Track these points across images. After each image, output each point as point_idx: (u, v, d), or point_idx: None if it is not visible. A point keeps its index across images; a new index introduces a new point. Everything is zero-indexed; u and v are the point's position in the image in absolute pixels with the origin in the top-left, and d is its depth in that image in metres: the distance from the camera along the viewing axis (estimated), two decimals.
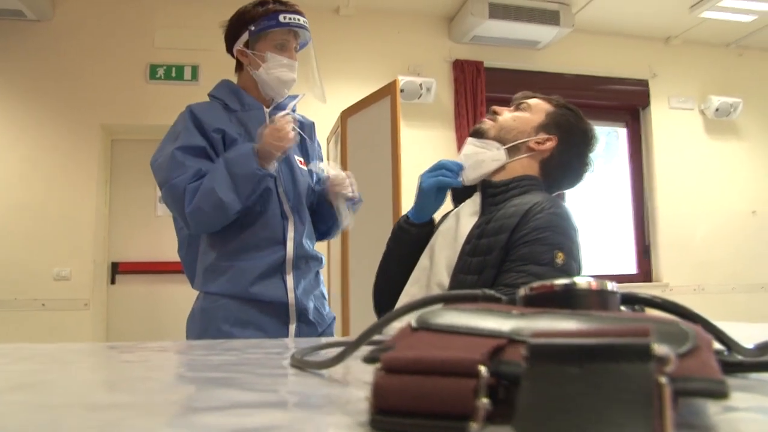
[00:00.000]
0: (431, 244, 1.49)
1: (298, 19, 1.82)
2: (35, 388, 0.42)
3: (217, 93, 1.89)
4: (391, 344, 0.32)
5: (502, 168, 1.48)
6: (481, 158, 1.49)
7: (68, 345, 0.66)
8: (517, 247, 1.30)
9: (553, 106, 1.54)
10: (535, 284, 0.38)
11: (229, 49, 1.89)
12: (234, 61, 1.93)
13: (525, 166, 1.48)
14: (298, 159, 1.90)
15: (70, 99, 4.11)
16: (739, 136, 5.27)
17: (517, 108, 1.55)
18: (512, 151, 1.48)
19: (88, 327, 3.95)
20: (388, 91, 3.27)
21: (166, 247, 4.28)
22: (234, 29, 1.86)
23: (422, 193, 1.52)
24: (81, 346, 0.67)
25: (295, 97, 1.96)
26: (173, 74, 4.30)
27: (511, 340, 0.30)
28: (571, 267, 1.31)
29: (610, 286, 0.38)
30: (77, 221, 4.02)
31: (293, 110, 1.93)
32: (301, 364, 0.48)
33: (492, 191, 1.45)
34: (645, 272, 5.03)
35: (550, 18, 4.48)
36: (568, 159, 1.51)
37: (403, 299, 1.46)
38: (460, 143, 4.24)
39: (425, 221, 1.56)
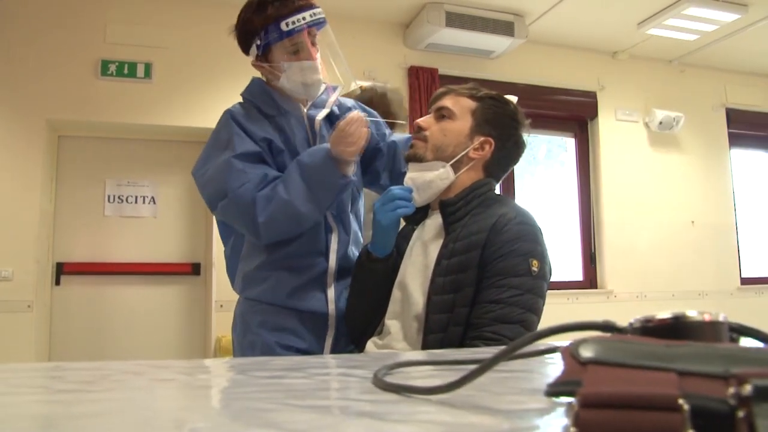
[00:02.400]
0: (402, 277, 1.50)
1: (304, 18, 1.63)
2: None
3: (251, 96, 1.77)
4: (571, 378, 0.33)
5: (451, 184, 1.50)
6: (429, 178, 1.49)
7: (99, 364, 0.63)
8: (493, 263, 1.34)
9: (474, 100, 1.52)
10: (651, 316, 0.40)
11: (245, 52, 1.76)
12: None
13: (471, 175, 1.51)
14: None
15: (13, 91, 3.93)
16: (680, 149, 5.48)
17: (440, 117, 1.53)
18: (455, 165, 1.49)
19: (31, 329, 3.80)
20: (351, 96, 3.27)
21: (114, 247, 4.26)
22: (242, 41, 1.73)
23: (383, 229, 1.51)
24: (118, 366, 0.64)
25: (334, 89, 1.81)
26: (125, 71, 4.16)
27: (680, 372, 0.32)
28: (545, 271, 1.38)
29: (722, 317, 0.40)
30: (20, 219, 3.84)
31: (338, 104, 1.82)
32: (401, 389, 0.48)
33: (452, 209, 1.46)
34: (590, 279, 5.17)
35: (505, 29, 4.57)
36: (507, 150, 1.54)
37: (394, 336, 1.46)
38: None
39: (388, 254, 1.55)
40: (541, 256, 1.37)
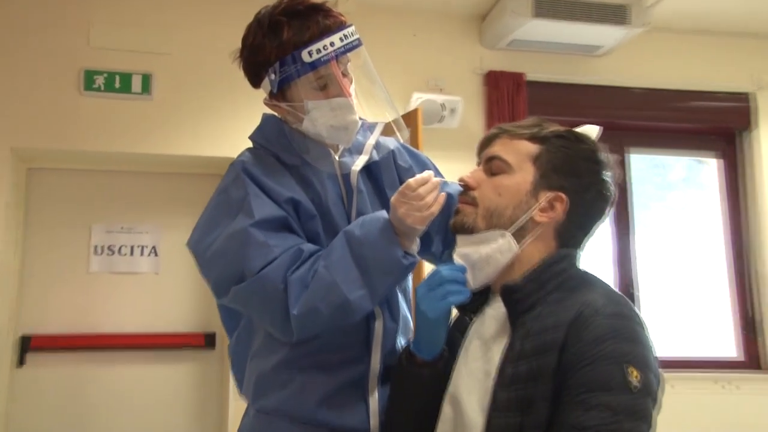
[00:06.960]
0: (454, 389, 1.29)
1: (332, 43, 1.42)
2: None
3: (265, 141, 1.57)
4: None
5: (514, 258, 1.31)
6: (486, 252, 1.29)
7: None
8: (575, 370, 1.10)
9: (536, 142, 1.31)
10: None
11: (254, 86, 1.57)
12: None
13: (540, 247, 1.30)
14: None
15: None
16: None
17: (491, 171, 1.33)
18: (517, 233, 1.29)
19: None
20: (408, 121, 2.60)
21: (102, 314, 3.79)
22: (250, 73, 1.52)
23: (430, 323, 1.31)
24: None
25: (372, 127, 1.62)
26: (117, 84, 3.61)
27: None
28: (650, 382, 1.11)
29: None
30: None
31: (378, 146, 1.61)
32: None
33: (518, 296, 1.24)
34: (752, 356, 4.19)
35: (616, 14, 3.85)
36: (587, 206, 1.32)
37: None
38: None
39: (437, 354, 1.35)
40: (644, 362, 1.11)
